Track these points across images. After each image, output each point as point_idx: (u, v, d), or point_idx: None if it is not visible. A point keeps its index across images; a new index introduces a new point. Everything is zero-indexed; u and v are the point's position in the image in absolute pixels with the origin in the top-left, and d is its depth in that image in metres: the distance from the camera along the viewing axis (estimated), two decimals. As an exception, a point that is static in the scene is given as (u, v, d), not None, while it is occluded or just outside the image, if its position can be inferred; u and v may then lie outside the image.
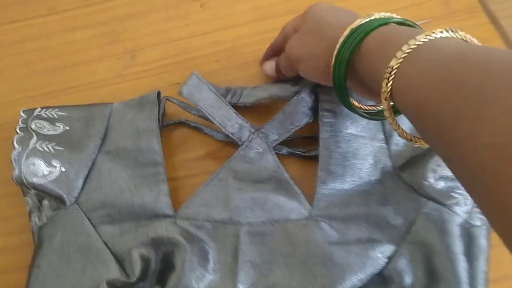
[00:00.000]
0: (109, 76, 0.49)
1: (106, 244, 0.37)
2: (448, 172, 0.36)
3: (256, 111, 0.44)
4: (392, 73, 0.29)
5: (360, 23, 0.33)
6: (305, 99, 0.41)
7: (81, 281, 0.35)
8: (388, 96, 0.30)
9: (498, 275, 0.36)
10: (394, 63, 0.28)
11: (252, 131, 0.41)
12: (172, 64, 0.49)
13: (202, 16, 0.51)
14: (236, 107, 0.42)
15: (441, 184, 0.37)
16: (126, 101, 0.43)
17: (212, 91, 0.42)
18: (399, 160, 0.39)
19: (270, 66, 0.45)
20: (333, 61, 0.34)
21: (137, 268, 0.35)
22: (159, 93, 0.43)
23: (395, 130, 0.32)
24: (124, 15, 0.52)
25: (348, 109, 0.37)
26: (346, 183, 0.38)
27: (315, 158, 0.40)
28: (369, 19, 0.33)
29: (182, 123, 0.45)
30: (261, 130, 0.41)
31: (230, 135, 0.41)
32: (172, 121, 0.45)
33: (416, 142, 0.32)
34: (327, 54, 0.35)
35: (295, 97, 0.41)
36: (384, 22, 0.32)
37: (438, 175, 0.37)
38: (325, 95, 0.41)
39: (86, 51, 0.50)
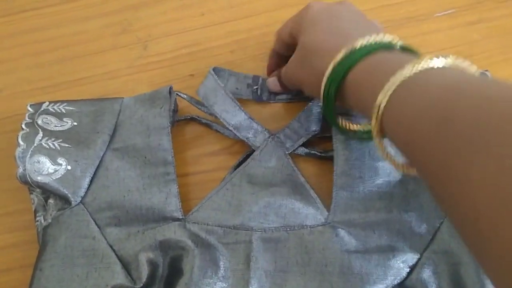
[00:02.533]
0: (120, 67, 0.47)
1: (111, 247, 0.35)
2: None
3: (270, 114, 0.43)
4: (380, 110, 0.27)
5: (343, 55, 0.31)
6: (318, 104, 0.39)
7: (85, 286, 0.34)
8: (378, 130, 0.29)
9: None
10: (382, 99, 0.27)
11: (268, 136, 0.40)
12: (186, 55, 0.47)
13: (217, 4, 0.49)
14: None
15: None
16: (137, 96, 0.42)
17: (229, 96, 0.40)
18: None
19: (273, 83, 0.42)
20: (321, 94, 0.33)
21: (144, 273, 0.33)
22: (171, 88, 0.41)
23: (384, 159, 0.30)
24: (137, 3, 0.50)
25: (337, 130, 0.36)
26: (365, 185, 0.36)
27: (332, 159, 0.38)
28: (351, 49, 0.31)
29: (193, 119, 0.43)
30: (277, 135, 0.40)
31: (245, 140, 0.40)
32: (183, 117, 0.43)
33: (409, 170, 0.30)
34: (318, 84, 0.33)
35: (308, 104, 0.40)
36: (368, 51, 0.30)
37: None
38: None
39: (97, 41, 0.49)
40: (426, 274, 0.33)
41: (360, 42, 0.31)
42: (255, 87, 0.43)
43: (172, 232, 0.35)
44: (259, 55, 0.46)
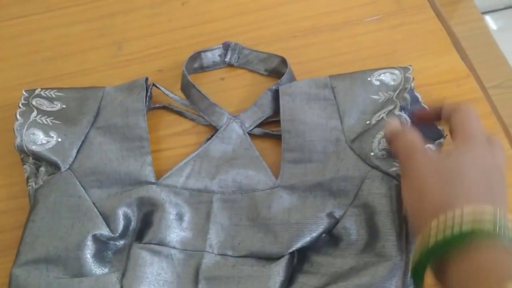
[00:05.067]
0: (98, 65, 0.55)
1: (94, 204, 0.42)
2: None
3: (232, 104, 0.50)
4: None
5: (436, 231, 0.29)
6: (271, 94, 0.47)
7: (70, 234, 0.40)
8: None
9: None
10: None
11: (230, 117, 0.47)
12: (155, 54, 0.55)
13: (183, 13, 0.58)
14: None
15: (383, 154, 0.41)
16: (117, 86, 0.49)
17: (196, 88, 0.48)
18: (351, 135, 0.43)
19: (395, 124, 0.40)
20: (413, 263, 0.32)
21: (120, 225, 0.40)
22: (147, 79, 0.48)
23: None
24: (114, 12, 0.58)
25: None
26: (305, 158, 0.44)
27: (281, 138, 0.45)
28: (445, 224, 0.29)
29: (165, 108, 0.51)
30: (237, 117, 0.47)
31: (211, 122, 0.47)
32: (157, 105, 0.50)
33: None
34: (420, 226, 0.32)
35: (264, 92, 0.47)
36: (464, 238, 0.28)
37: (382, 147, 0.41)
38: (287, 87, 0.46)
39: (78, 43, 0.56)
40: (349, 223, 0.39)
41: (459, 216, 0.29)
42: (225, 58, 0.52)
43: (145, 192, 0.42)
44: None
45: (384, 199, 0.39)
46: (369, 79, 0.45)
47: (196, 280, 0.39)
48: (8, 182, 0.48)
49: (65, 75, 0.54)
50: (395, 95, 0.44)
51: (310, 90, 0.46)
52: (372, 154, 0.41)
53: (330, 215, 0.40)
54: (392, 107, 0.43)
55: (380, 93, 0.45)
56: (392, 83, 0.45)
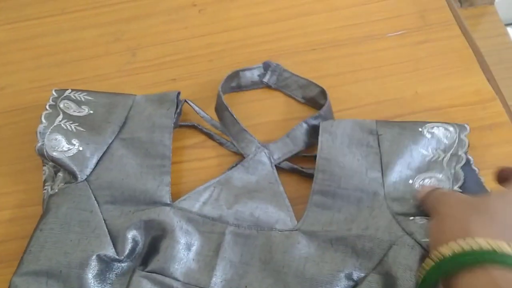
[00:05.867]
0: (111, 71, 0.53)
1: (105, 221, 0.40)
2: None
3: (263, 131, 0.48)
4: None
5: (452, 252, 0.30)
6: (307, 127, 0.45)
7: (74, 250, 0.39)
8: None
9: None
10: None
11: (259, 146, 0.45)
12: (169, 62, 0.53)
13: (200, 20, 0.56)
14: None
15: (423, 222, 0.38)
16: (147, 95, 0.47)
17: (229, 111, 0.46)
18: (392, 192, 0.40)
19: (428, 187, 0.39)
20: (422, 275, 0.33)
21: (127, 248, 0.38)
22: (179, 93, 0.47)
23: None
24: (129, 17, 0.57)
25: None
26: (335, 206, 0.40)
27: (312, 177, 0.42)
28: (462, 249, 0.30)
29: (194, 127, 0.49)
30: (267, 146, 0.45)
31: (239, 149, 0.45)
32: (186, 123, 0.49)
33: None
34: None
35: (299, 124, 0.45)
36: (476, 258, 0.29)
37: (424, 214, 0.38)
38: (329, 124, 0.43)
39: (91, 48, 0.55)
40: None
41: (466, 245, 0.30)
42: (264, 78, 0.50)
43: (157, 215, 0.40)
44: (235, 65, 0.52)
45: (408, 273, 0.35)
46: (420, 129, 0.42)
47: None
48: (14, 190, 0.47)
49: (78, 80, 0.53)
50: (446, 158, 0.41)
51: (353, 133, 0.43)
52: (411, 218, 0.38)
53: (348, 276, 0.37)
54: (440, 175, 0.40)
55: (429, 148, 0.41)
56: (445, 140, 0.41)
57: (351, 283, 0.36)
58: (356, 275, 0.37)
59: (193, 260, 0.39)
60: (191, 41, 0.55)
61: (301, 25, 0.55)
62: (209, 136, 0.48)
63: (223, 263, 0.39)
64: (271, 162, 0.44)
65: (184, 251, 0.39)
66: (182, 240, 0.39)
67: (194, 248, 0.39)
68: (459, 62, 0.50)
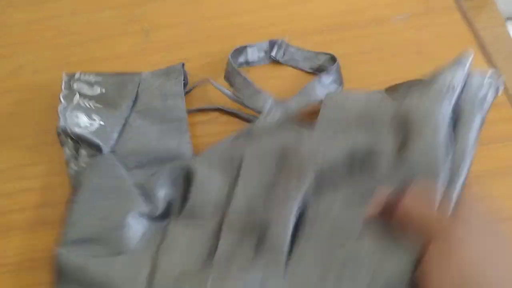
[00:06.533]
0: (126, 51, 0.55)
1: (135, 185, 0.42)
2: None
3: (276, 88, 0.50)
4: None
5: None
6: (319, 82, 0.48)
7: (111, 214, 0.40)
8: None
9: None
10: None
11: (275, 104, 0.46)
12: (182, 42, 0.55)
13: (212, 3, 0.58)
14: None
15: None
16: (153, 71, 0.50)
17: (242, 75, 0.48)
18: None
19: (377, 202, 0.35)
20: None
21: (160, 204, 0.41)
22: (183, 64, 0.49)
23: None
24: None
25: None
26: None
27: None
28: None
29: (219, 110, 0.50)
30: (283, 103, 0.46)
31: (256, 109, 0.46)
32: (211, 107, 0.50)
33: None
34: None
35: (312, 80, 0.48)
36: None
37: None
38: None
39: (107, 28, 0.57)
40: None
41: None
42: (271, 53, 0.52)
43: (181, 164, 0.43)
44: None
45: None
46: None
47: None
48: (40, 161, 0.48)
49: (92, 59, 0.55)
50: None
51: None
52: None
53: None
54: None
55: None
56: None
57: None
58: None
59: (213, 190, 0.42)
60: (202, 23, 0.57)
61: (310, 9, 0.57)
62: (237, 116, 0.49)
63: (242, 182, 0.41)
64: (287, 117, 0.46)
65: (209, 186, 0.41)
66: (207, 178, 0.42)
67: (216, 183, 0.42)
68: (461, 46, 0.52)
